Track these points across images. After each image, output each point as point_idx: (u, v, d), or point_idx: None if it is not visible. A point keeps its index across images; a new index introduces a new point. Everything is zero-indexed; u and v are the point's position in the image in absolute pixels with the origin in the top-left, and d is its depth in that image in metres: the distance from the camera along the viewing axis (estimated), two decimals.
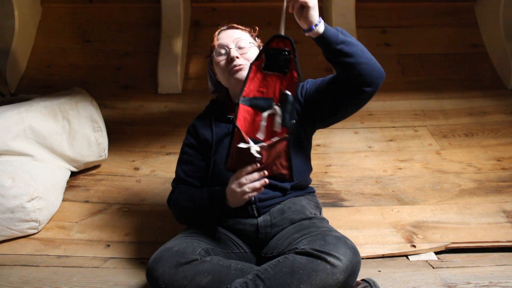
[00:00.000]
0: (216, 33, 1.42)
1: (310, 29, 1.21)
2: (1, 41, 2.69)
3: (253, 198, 1.30)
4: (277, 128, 1.16)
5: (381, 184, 2.00)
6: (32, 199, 1.70)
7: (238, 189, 1.21)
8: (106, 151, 2.11)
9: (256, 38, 1.46)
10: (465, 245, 1.61)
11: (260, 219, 1.34)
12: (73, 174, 2.07)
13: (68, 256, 1.63)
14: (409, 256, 1.59)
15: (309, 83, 1.41)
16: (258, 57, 1.21)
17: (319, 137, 2.28)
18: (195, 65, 2.83)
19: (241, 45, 1.37)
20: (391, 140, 2.31)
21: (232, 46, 1.36)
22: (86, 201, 1.94)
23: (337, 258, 1.11)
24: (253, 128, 1.19)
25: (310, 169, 1.49)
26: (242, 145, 1.16)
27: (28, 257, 1.61)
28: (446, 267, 1.48)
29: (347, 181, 2.03)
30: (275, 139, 1.16)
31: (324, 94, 1.32)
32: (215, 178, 1.38)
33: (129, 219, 1.83)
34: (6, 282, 1.41)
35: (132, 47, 2.87)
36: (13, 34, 2.70)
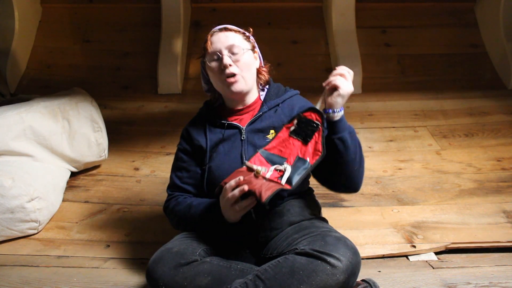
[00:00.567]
0: (209, 36, 1.36)
1: (327, 111, 1.26)
2: (1, 41, 2.69)
3: None
4: (282, 181, 1.22)
5: (381, 184, 2.00)
6: (32, 200, 1.70)
7: (229, 209, 1.21)
8: (106, 151, 2.11)
9: (251, 37, 1.42)
10: (465, 246, 1.61)
11: (259, 223, 1.33)
12: (73, 174, 2.07)
13: (68, 256, 1.63)
14: (409, 257, 1.59)
15: None
16: (290, 121, 1.30)
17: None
18: (195, 65, 2.83)
19: (234, 51, 1.33)
20: (391, 141, 2.31)
21: (225, 52, 1.32)
22: (86, 201, 1.94)
23: (337, 258, 1.11)
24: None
25: (309, 176, 1.47)
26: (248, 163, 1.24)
27: (28, 257, 1.61)
28: (446, 267, 1.48)
29: None
30: (274, 180, 1.21)
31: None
32: (210, 186, 1.36)
33: (129, 219, 1.83)
34: (6, 282, 1.41)
35: (132, 47, 2.87)
36: (13, 34, 2.71)
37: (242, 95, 1.38)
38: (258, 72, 1.41)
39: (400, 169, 2.10)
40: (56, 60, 2.84)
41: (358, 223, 1.76)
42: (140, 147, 2.31)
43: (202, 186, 1.39)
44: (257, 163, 1.24)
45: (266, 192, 1.14)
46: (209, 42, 1.35)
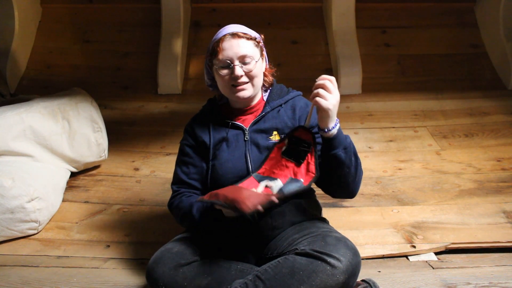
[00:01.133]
0: (220, 41, 1.33)
1: (322, 129, 1.23)
2: (1, 41, 2.69)
3: None
4: (273, 191, 1.23)
5: (381, 184, 2.00)
6: (32, 200, 1.70)
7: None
8: (106, 152, 2.11)
9: (261, 42, 1.40)
10: (465, 246, 1.61)
11: (261, 222, 1.33)
12: (73, 175, 2.07)
13: (68, 256, 1.63)
14: (409, 257, 1.59)
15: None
16: (281, 141, 1.30)
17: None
18: (195, 65, 2.83)
19: (246, 61, 1.32)
20: (391, 141, 2.31)
21: (236, 63, 1.31)
22: (86, 202, 1.94)
23: (337, 259, 1.11)
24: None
25: None
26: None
27: (28, 258, 1.61)
28: (446, 267, 1.48)
29: None
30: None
31: None
32: (214, 183, 1.36)
33: (129, 220, 1.83)
34: (6, 283, 1.41)
35: (132, 47, 2.87)
36: (13, 34, 2.70)
37: (248, 99, 1.38)
38: (264, 74, 1.41)
39: (400, 169, 2.10)
40: (56, 60, 2.84)
41: (358, 223, 1.76)
42: (140, 147, 2.31)
43: (207, 182, 1.39)
44: (251, 187, 1.25)
45: (249, 202, 1.11)
46: (220, 48, 1.32)
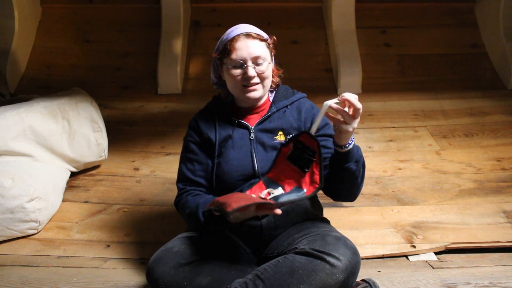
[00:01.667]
0: (234, 42, 1.32)
1: (339, 146, 1.24)
2: (1, 41, 2.69)
3: None
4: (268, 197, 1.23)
5: (381, 184, 2.00)
6: (32, 200, 1.70)
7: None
8: (106, 152, 2.11)
9: (274, 39, 1.40)
10: (465, 246, 1.61)
11: (264, 221, 1.33)
12: (73, 175, 2.07)
13: (68, 256, 1.63)
14: (409, 257, 1.59)
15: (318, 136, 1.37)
16: (286, 144, 1.30)
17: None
18: (195, 65, 2.83)
19: (258, 62, 1.32)
20: (391, 141, 2.31)
21: (250, 63, 1.31)
22: (86, 202, 1.94)
23: (337, 258, 1.11)
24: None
25: None
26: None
27: (28, 258, 1.61)
28: (446, 267, 1.48)
29: None
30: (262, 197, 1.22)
31: None
32: (219, 181, 1.36)
33: (129, 220, 1.83)
34: (6, 283, 1.41)
35: (132, 47, 2.87)
36: (13, 34, 2.70)
37: (256, 100, 1.39)
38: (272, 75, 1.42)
39: (400, 169, 2.10)
40: (56, 60, 2.84)
41: (358, 223, 1.76)
42: (140, 147, 2.31)
43: (212, 180, 1.39)
44: (257, 192, 1.26)
45: (235, 204, 1.11)
46: (233, 47, 1.32)
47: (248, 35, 1.33)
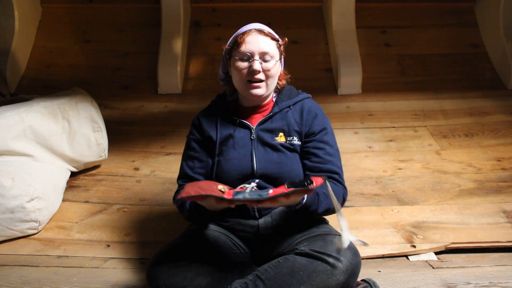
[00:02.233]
0: (245, 35, 1.34)
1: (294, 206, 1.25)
2: (1, 41, 2.69)
3: None
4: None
5: (381, 184, 2.00)
6: (32, 200, 1.70)
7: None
8: (106, 151, 2.11)
9: (285, 41, 1.42)
10: (465, 245, 1.62)
11: (261, 220, 1.33)
12: (73, 174, 2.07)
13: (68, 256, 1.63)
14: (409, 256, 1.59)
15: (313, 141, 1.39)
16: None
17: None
18: (195, 65, 2.83)
19: (266, 58, 1.33)
20: (391, 140, 2.31)
21: (257, 57, 1.33)
22: (86, 201, 1.94)
23: (337, 259, 1.11)
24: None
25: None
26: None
27: (28, 257, 1.61)
28: (446, 267, 1.48)
29: (347, 181, 1.99)
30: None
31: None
32: (218, 179, 1.37)
33: (129, 219, 1.84)
34: (6, 282, 1.41)
35: (132, 47, 2.87)
36: (13, 34, 2.70)
37: (259, 98, 1.39)
38: (278, 78, 1.42)
39: (400, 169, 2.10)
40: (56, 60, 2.84)
41: (358, 223, 1.76)
42: (140, 147, 2.31)
43: (211, 178, 1.39)
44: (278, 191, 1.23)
45: (191, 191, 1.14)
46: (243, 40, 1.34)
47: (260, 31, 1.35)
